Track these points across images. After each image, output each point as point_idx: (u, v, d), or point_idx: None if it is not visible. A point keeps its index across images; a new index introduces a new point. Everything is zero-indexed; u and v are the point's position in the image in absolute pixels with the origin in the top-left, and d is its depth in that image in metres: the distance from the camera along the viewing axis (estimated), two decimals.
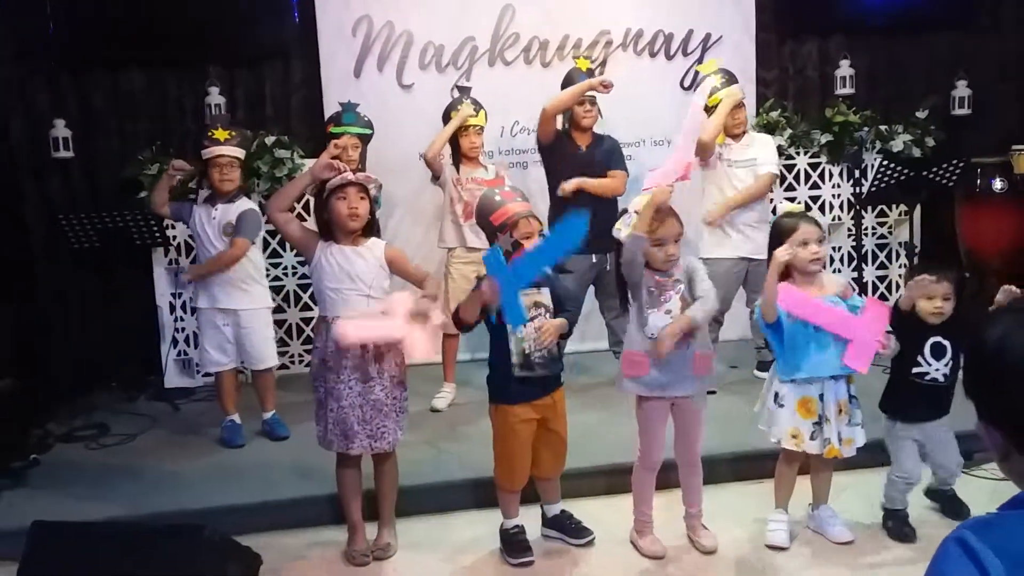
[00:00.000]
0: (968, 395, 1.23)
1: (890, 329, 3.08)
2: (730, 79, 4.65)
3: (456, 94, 4.83)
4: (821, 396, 3.11)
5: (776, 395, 3.16)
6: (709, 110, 4.55)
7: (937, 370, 3.18)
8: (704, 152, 4.55)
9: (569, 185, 4.47)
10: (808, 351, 3.07)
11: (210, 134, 4.23)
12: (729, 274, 4.59)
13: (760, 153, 4.68)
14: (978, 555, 1.06)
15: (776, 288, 3.06)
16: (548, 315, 3.14)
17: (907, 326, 3.13)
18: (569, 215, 2.94)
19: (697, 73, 5.41)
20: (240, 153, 4.30)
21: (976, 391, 1.21)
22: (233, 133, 4.27)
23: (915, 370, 3.20)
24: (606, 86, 4.45)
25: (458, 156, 4.63)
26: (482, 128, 4.65)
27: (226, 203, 4.24)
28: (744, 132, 4.68)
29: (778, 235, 3.16)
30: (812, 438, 3.11)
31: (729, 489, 3.68)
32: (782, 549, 3.21)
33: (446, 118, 4.63)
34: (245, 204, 4.32)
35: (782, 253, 3.05)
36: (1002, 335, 1.15)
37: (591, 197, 4.47)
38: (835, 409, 3.11)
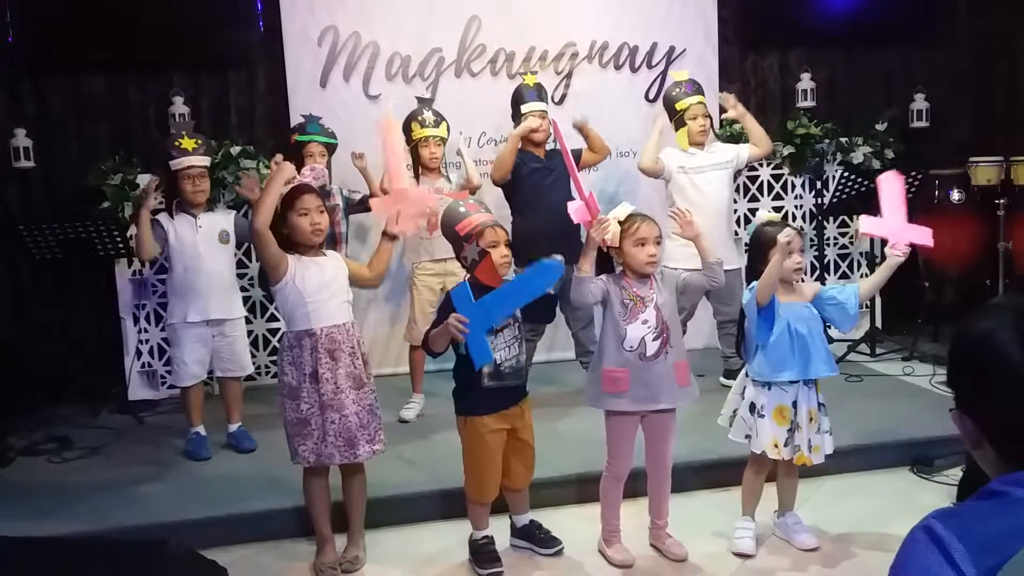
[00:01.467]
0: (948, 383, 1.27)
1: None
2: (697, 90, 4.74)
3: (417, 105, 4.83)
4: (794, 403, 3.15)
5: (753, 405, 3.19)
6: (679, 116, 4.70)
7: None
8: (651, 174, 4.73)
9: (579, 118, 4.69)
10: (792, 354, 3.11)
11: (177, 144, 4.17)
12: (699, 284, 4.64)
13: (728, 153, 4.81)
14: (943, 541, 1.09)
15: (778, 271, 3.04)
16: (517, 326, 3.15)
17: None
18: (545, 264, 2.95)
19: (663, 84, 5.51)
20: (208, 162, 4.28)
21: (956, 380, 1.25)
22: (199, 142, 4.24)
23: None
24: (533, 129, 4.62)
25: (418, 167, 4.64)
26: (443, 140, 4.65)
27: (207, 212, 4.24)
28: (704, 140, 4.76)
29: (760, 244, 3.19)
30: (785, 445, 3.15)
31: (695, 497, 3.72)
32: (748, 556, 3.24)
33: (406, 128, 4.64)
34: (231, 212, 4.42)
35: (783, 243, 3.05)
36: (989, 329, 1.18)
37: (555, 206, 4.53)
38: (806, 416, 3.15)
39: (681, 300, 4.27)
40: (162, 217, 4.23)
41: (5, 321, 5.23)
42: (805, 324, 3.14)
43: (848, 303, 3.18)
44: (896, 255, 3.20)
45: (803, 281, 3.27)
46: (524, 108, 4.65)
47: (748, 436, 3.22)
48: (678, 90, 4.75)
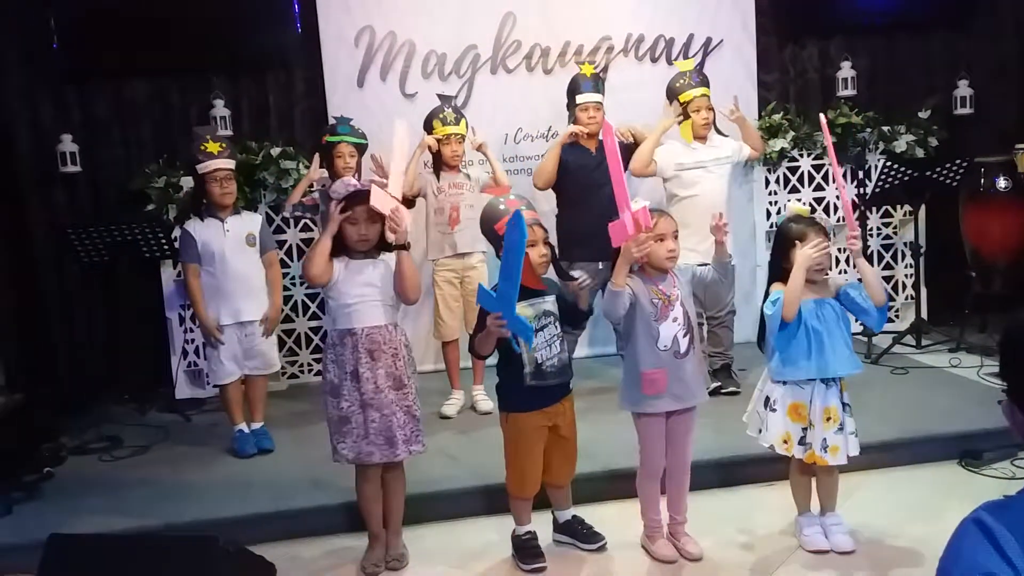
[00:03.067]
0: (999, 374, 1.26)
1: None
2: (702, 81, 4.67)
3: (439, 103, 4.85)
4: (811, 401, 3.10)
5: (767, 399, 3.16)
6: (682, 107, 4.62)
7: None
8: (643, 176, 4.70)
9: (624, 128, 4.63)
10: (808, 353, 3.07)
11: (203, 147, 4.21)
12: (712, 279, 4.62)
13: (729, 148, 4.71)
14: (994, 533, 1.09)
15: (800, 288, 3.03)
16: (556, 322, 3.15)
17: None
18: (510, 221, 2.89)
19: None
20: (233, 164, 4.33)
21: (1007, 371, 1.25)
22: (224, 145, 4.29)
23: None
24: (575, 135, 4.66)
25: (439, 164, 4.66)
26: (463, 136, 4.66)
27: (234, 215, 4.30)
28: (707, 133, 4.67)
29: (784, 240, 3.15)
30: (800, 443, 3.10)
31: (719, 495, 3.70)
32: (824, 552, 3.19)
33: (427, 125, 4.66)
34: (256, 216, 4.49)
35: (806, 255, 3.03)
36: None
37: (600, 202, 4.53)
38: (822, 415, 3.09)
39: (710, 294, 4.22)
40: (192, 224, 4.28)
41: (55, 323, 5.34)
42: (822, 321, 3.08)
43: (867, 306, 3.11)
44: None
45: (827, 275, 3.21)
46: (579, 99, 4.63)
47: (760, 431, 3.20)
48: (682, 81, 4.66)
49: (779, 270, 3.16)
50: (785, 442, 3.11)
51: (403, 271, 3.14)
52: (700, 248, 4.26)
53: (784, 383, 3.12)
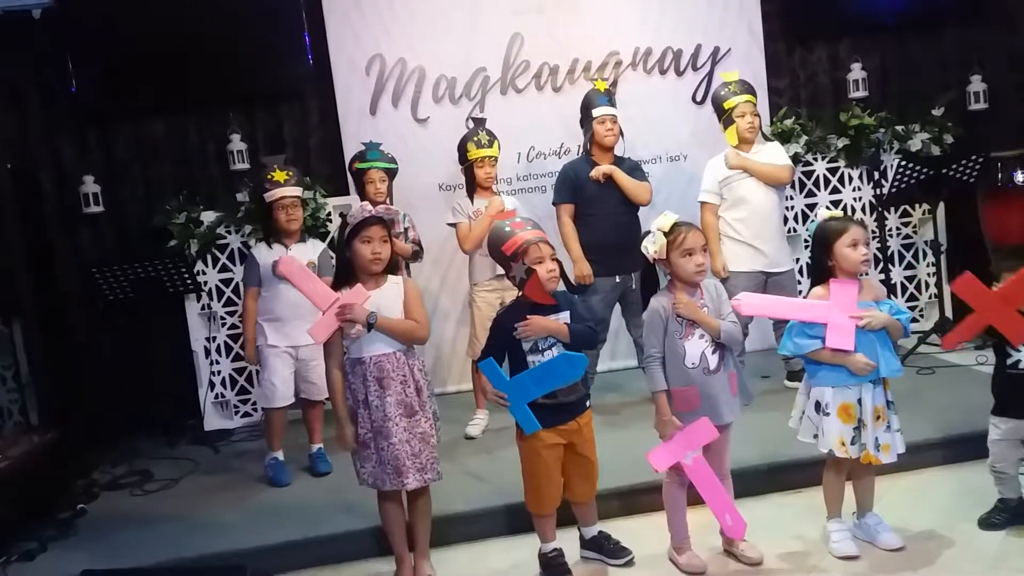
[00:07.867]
0: None
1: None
2: (745, 89, 4.72)
3: (471, 125, 4.90)
4: (859, 401, 3.10)
5: (818, 404, 3.15)
6: (727, 115, 4.68)
7: None
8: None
9: (599, 171, 4.56)
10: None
11: (270, 176, 4.31)
12: (749, 287, 4.62)
13: (772, 156, 4.74)
14: None
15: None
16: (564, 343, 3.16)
17: None
18: (570, 355, 3.03)
19: (710, 85, 5.51)
20: (299, 191, 4.41)
21: None
22: (290, 173, 4.38)
23: (1010, 361, 3.24)
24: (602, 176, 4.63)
25: (473, 187, 4.70)
26: (496, 159, 4.71)
27: (299, 243, 4.39)
28: (752, 138, 4.73)
29: (824, 239, 3.15)
30: (852, 443, 3.10)
31: (765, 500, 3.68)
32: (854, 558, 3.17)
33: (461, 149, 4.71)
34: (319, 244, 4.56)
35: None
36: None
37: (614, 217, 4.53)
38: (872, 414, 3.09)
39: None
40: (257, 249, 4.37)
41: (84, 361, 5.42)
42: None
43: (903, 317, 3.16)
44: None
45: (867, 274, 3.22)
46: (596, 112, 4.63)
47: (816, 436, 3.17)
48: (726, 90, 4.73)
49: (822, 271, 3.18)
50: (843, 444, 3.10)
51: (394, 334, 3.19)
52: (761, 251, 4.64)
53: (832, 385, 3.11)
